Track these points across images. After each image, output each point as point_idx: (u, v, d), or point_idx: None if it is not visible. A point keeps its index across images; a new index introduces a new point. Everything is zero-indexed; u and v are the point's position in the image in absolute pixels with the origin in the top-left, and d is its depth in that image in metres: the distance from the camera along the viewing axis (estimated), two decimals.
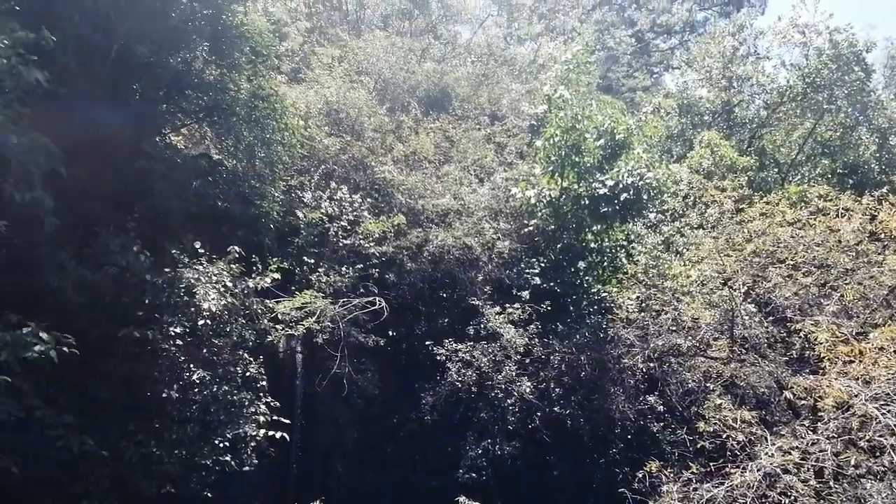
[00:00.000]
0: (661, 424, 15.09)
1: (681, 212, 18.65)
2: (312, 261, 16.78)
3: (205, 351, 12.00)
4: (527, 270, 17.63)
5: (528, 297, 16.71)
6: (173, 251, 11.99)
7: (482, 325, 16.33)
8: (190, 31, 12.95)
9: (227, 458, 11.56)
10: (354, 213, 17.54)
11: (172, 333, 11.40)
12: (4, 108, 9.17)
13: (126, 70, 12.64)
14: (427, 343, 16.54)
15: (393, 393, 17.34)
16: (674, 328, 14.41)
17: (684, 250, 16.55)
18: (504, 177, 20.26)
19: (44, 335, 8.36)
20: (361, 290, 16.42)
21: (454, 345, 16.00)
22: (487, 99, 24.97)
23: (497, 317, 16.28)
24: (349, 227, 17.33)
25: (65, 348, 8.54)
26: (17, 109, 9.61)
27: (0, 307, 8.86)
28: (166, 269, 11.54)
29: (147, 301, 11.16)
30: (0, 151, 9.13)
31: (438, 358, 16.07)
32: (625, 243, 18.48)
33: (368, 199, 18.31)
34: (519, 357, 15.85)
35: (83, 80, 11.66)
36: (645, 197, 16.87)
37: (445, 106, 24.04)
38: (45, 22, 9.70)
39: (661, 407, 14.91)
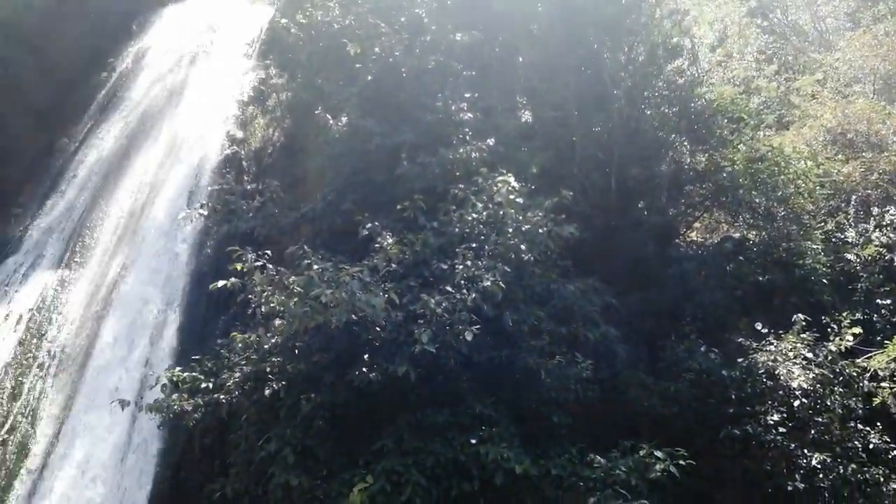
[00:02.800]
0: None
1: None
2: (889, 302, 14.37)
3: (812, 432, 11.04)
4: None
5: None
6: (738, 340, 11.82)
7: None
8: (669, 134, 13.59)
9: None
10: None
11: (771, 422, 10.87)
12: (551, 267, 10.92)
13: (625, 187, 13.88)
14: None
15: None
16: None
17: None
18: None
19: (658, 453, 8.87)
20: None
21: None
22: None
23: None
24: None
25: (680, 461, 8.87)
26: (562, 264, 11.31)
27: (612, 437, 9.84)
28: (739, 360, 11.36)
29: (733, 396, 11.03)
30: (563, 303, 10.67)
31: None
32: None
33: None
34: None
35: (598, 212, 13.19)
36: None
37: None
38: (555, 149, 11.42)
39: None
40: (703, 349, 11.40)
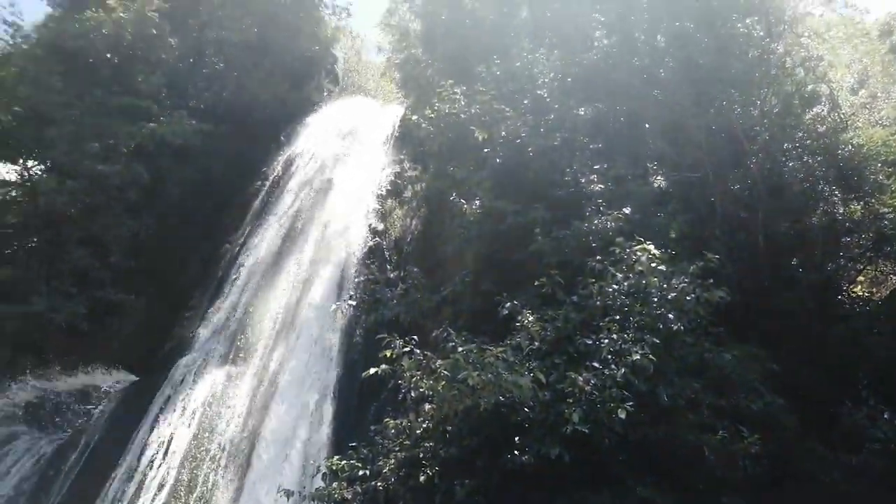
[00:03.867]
0: None
1: None
2: None
3: None
4: None
5: None
6: None
7: None
8: (816, 184, 12.85)
9: None
10: None
11: None
12: (703, 335, 10.36)
13: (775, 244, 13.11)
14: None
15: None
16: None
17: None
18: None
19: None
20: None
21: None
22: None
23: None
24: None
25: None
26: (714, 331, 10.71)
27: None
28: None
29: None
30: (720, 373, 10.06)
31: None
32: None
33: None
34: None
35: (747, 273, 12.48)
36: None
37: None
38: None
39: None
40: (886, 416, 10.23)
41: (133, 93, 20.88)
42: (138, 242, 19.59)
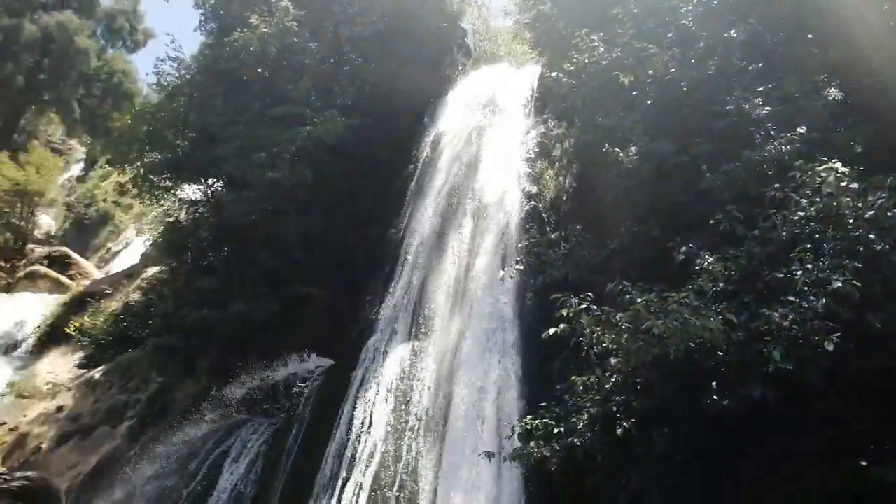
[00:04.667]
0: None
1: None
2: None
3: None
4: None
5: None
6: None
7: None
8: None
9: None
10: None
11: None
12: None
13: None
14: None
15: None
16: None
17: None
18: None
19: None
20: None
21: None
22: None
23: None
24: None
25: None
26: None
27: None
28: None
29: None
30: None
31: None
32: None
33: None
34: None
35: None
36: None
37: None
38: None
39: None
40: None
41: (286, 101, 22.31)
42: (311, 238, 21.02)
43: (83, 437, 21.40)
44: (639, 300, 9.29)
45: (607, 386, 10.30)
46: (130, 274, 30.81)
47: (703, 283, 9.53)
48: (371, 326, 18.02)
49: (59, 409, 23.10)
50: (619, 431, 9.62)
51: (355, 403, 15.11)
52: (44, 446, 21.32)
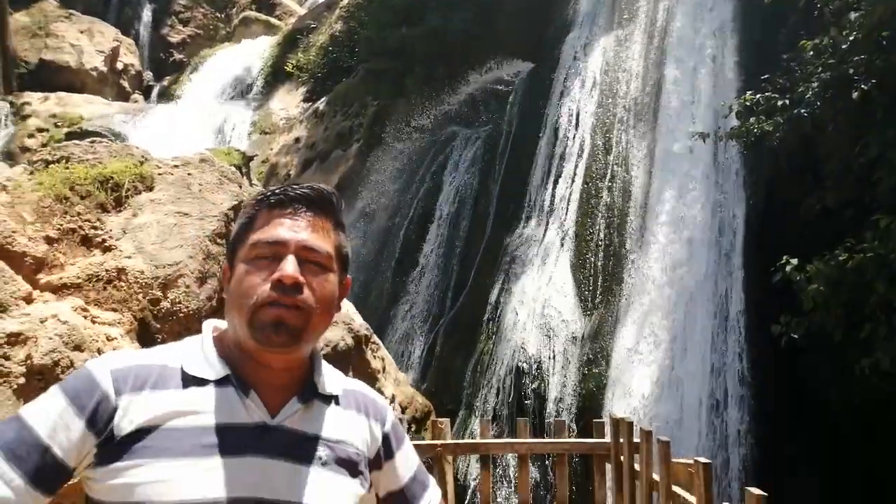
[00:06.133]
0: None
1: None
2: None
3: None
4: None
5: None
6: None
7: None
8: None
9: None
10: None
11: None
12: None
13: None
14: None
15: None
16: None
17: None
18: None
19: None
20: None
21: None
22: None
23: None
24: None
25: None
26: None
27: None
28: None
29: None
30: None
31: None
32: None
33: None
34: None
35: None
36: None
37: None
38: None
39: None
40: None
41: None
42: None
43: (321, 161, 24.12)
44: None
45: (844, 46, 9.09)
46: (329, 5, 31.39)
47: None
48: (567, 23, 17.10)
49: (297, 140, 25.90)
50: (855, 95, 8.69)
51: (560, 102, 15.05)
52: (292, 172, 24.50)
